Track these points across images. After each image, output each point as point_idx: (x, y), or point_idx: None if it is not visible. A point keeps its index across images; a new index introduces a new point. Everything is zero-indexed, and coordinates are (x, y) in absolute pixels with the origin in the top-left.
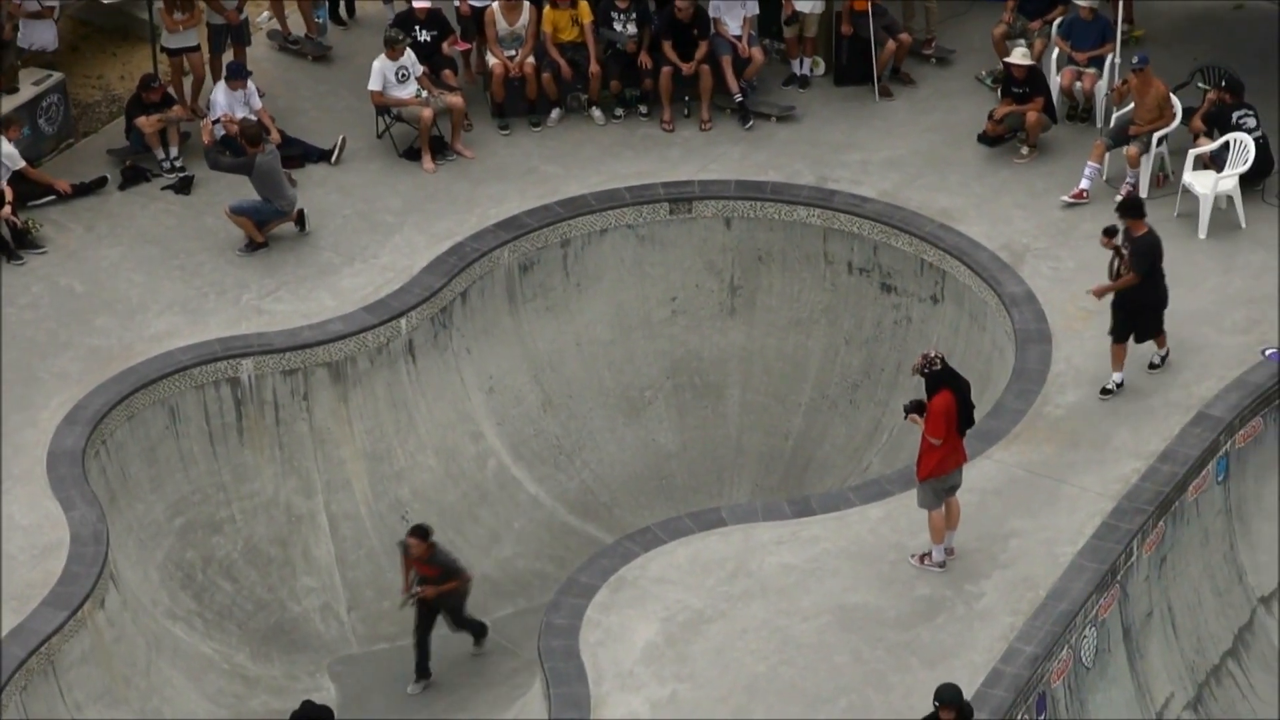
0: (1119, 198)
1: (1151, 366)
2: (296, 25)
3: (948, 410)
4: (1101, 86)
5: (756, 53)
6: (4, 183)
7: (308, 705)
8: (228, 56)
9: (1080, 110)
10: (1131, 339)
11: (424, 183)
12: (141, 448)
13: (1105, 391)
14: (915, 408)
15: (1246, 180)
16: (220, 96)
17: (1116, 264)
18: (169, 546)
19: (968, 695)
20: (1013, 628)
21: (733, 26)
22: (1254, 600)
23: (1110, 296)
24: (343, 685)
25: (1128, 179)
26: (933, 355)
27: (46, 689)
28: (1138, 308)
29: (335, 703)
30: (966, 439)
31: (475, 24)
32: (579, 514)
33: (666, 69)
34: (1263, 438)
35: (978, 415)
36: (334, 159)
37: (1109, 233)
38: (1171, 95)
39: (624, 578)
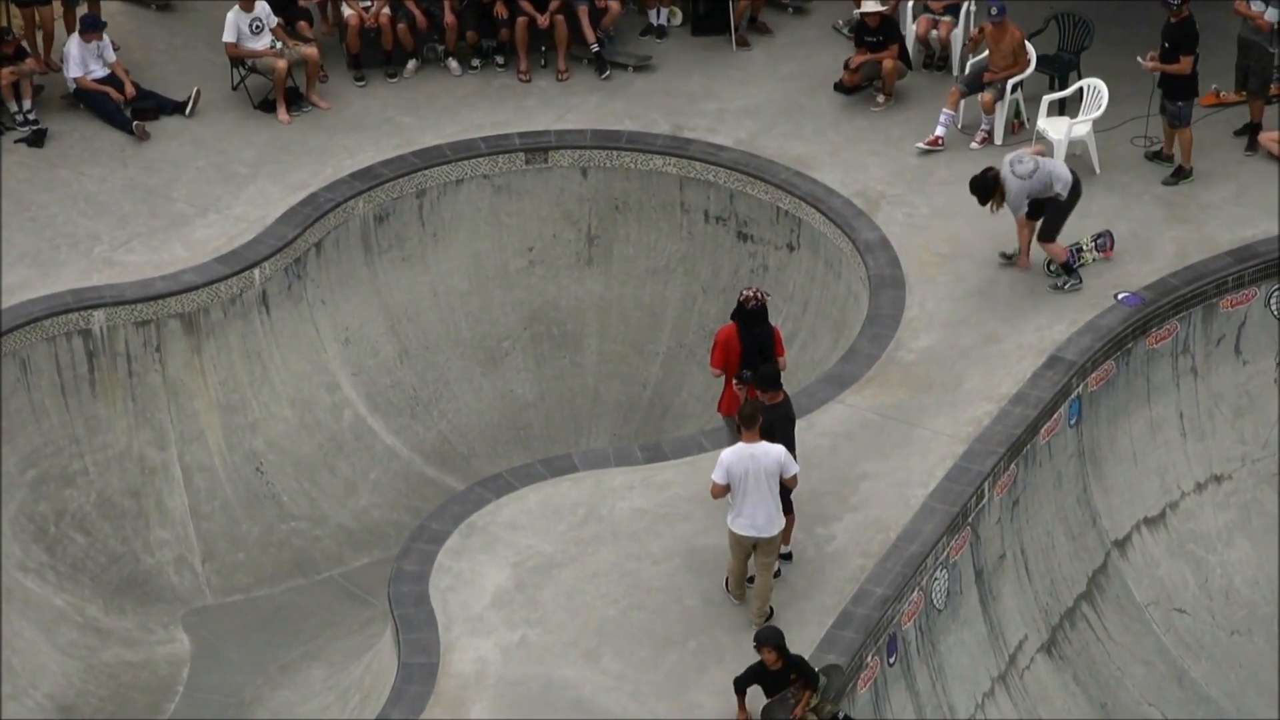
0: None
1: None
2: None
3: (725, 341)
4: (958, 34)
5: (613, 3)
6: None
7: None
8: (82, 9)
9: (936, 58)
10: None
11: (279, 134)
12: None
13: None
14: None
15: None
16: (74, 49)
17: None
18: (20, 499)
19: (818, 637)
20: (863, 570)
21: None
22: (1108, 543)
23: None
24: (197, 637)
25: (983, 125)
26: (753, 292)
27: None
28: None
29: (189, 654)
30: (823, 384)
31: None
32: (436, 464)
33: (522, 19)
34: (1115, 381)
35: (832, 359)
36: (188, 111)
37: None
38: (1026, 42)
39: (475, 524)
